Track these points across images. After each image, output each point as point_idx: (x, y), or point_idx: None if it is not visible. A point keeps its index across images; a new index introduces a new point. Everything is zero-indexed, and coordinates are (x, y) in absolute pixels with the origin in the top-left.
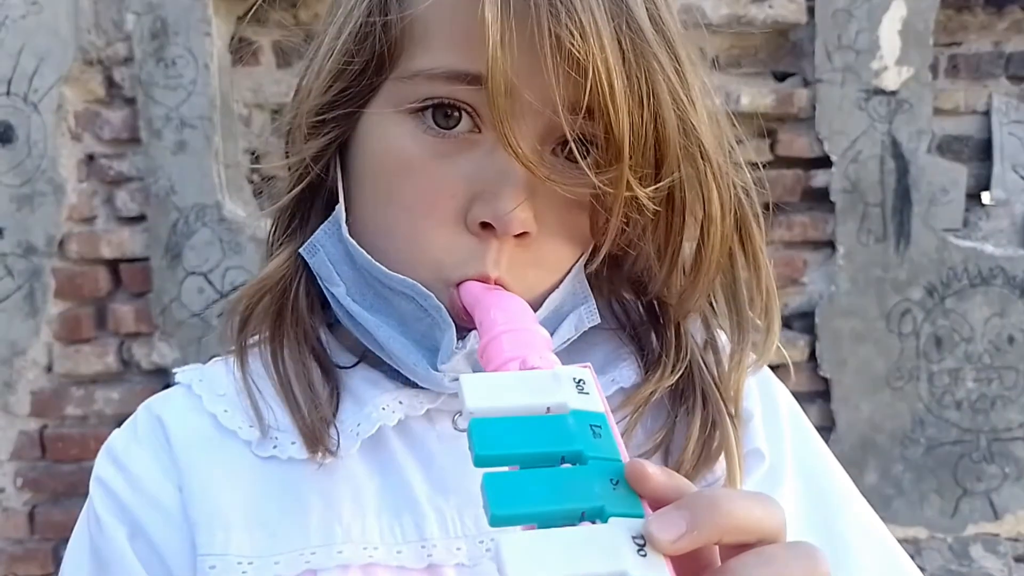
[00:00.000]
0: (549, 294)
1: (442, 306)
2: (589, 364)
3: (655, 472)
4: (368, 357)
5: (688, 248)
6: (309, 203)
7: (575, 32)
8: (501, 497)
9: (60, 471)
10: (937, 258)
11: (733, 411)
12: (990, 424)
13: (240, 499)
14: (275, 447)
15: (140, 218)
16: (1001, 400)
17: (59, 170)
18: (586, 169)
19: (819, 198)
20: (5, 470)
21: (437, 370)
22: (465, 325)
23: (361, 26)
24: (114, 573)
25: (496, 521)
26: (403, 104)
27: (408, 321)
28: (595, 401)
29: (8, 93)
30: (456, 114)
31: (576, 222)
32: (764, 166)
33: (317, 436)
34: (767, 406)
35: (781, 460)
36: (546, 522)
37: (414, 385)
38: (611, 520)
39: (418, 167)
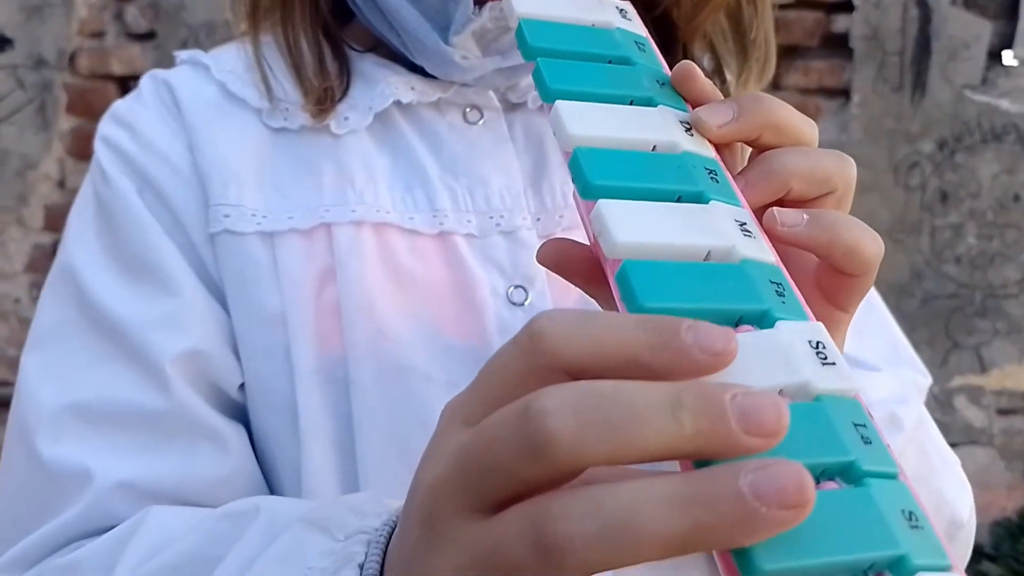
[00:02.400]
0: None
1: None
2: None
3: (703, 76)
4: (379, 49)
5: None
6: None
7: None
8: (554, 74)
9: None
10: (951, 112)
11: None
12: (987, 280)
13: (252, 160)
14: (286, 119)
15: (150, 35)
16: (1000, 257)
17: None
18: None
19: (838, 44)
20: (20, 281)
21: (448, 44)
22: None
23: None
24: (121, 223)
25: (553, 95)
26: None
27: None
28: (637, 27)
29: None
30: None
31: None
32: (786, 7)
33: (329, 100)
34: None
35: None
36: (599, 99)
37: (426, 75)
38: (659, 107)
39: None
